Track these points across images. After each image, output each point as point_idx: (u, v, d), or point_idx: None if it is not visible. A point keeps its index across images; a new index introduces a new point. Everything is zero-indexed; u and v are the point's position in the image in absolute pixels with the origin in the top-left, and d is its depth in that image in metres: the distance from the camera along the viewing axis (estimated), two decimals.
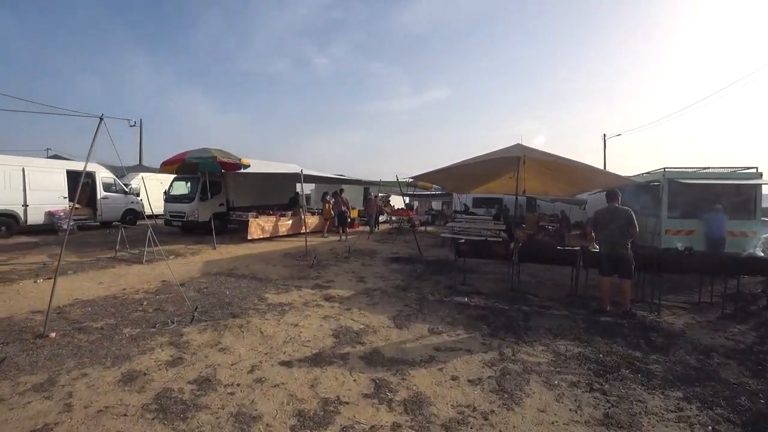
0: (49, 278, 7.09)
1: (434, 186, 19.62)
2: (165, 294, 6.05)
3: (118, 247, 9.30)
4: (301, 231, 10.82)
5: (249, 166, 11.05)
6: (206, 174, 11.29)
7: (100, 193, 15.04)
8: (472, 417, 2.93)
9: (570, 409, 3.09)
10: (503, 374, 3.65)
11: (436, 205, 30.45)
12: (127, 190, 16.25)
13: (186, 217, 12.89)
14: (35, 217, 13.06)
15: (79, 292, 6.12)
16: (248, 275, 7.45)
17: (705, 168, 10.89)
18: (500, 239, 7.00)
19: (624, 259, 5.59)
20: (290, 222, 13.53)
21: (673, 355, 4.28)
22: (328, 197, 14.55)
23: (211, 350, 4.01)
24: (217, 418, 2.81)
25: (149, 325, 4.69)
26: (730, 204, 9.68)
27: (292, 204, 17.65)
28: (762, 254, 7.21)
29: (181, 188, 13.76)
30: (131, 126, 29.60)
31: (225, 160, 9.99)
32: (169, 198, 13.79)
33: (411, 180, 14.80)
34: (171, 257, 9.31)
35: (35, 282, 6.86)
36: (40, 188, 13.10)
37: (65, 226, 13.40)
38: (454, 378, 3.54)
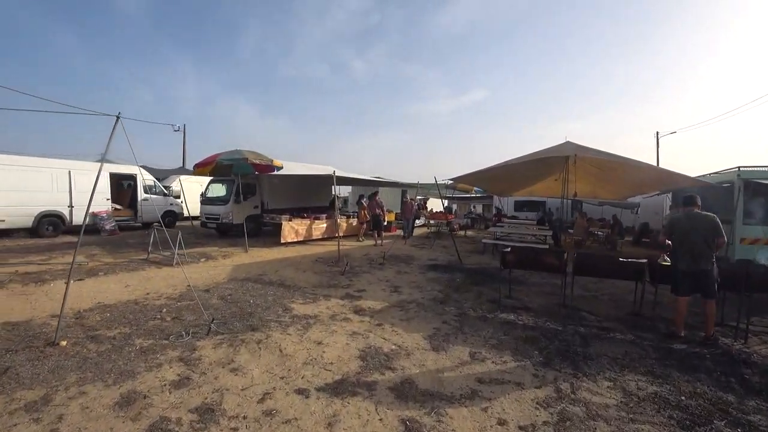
0: (80, 279, 7.01)
1: (475, 188, 18.75)
2: (187, 301, 5.72)
3: (150, 248, 9.19)
4: (336, 235, 10.38)
5: (282, 167, 10.74)
6: (239, 176, 11.08)
7: (141, 195, 15.33)
8: None
9: None
10: (562, 419, 2.96)
11: (476, 207, 29.49)
12: (166, 192, 16.50)
13: (220, 219, 12.80)
14: (80, 217, 13.41)
15: (104, 296, 5.92)
16: (276, 282, 7.05)
17: None
18: (553, 249, 6.18)
19: (707, 275, 4.69)
20: (325, 225, 13.17)
21: None
22: (363, 200, 14.10)
23: (222, 370, 3.56)
24: None
25: (163, 335, 4.33)
26: None
27: (331, 206, 17.37)
28: None
29: (217, 190, 13.73)
30: (175, 131, 30.69)
31: (257, 161, 9.71)
32: (204, 200, 13.79)
33: (450, 182, 14.10)
34: (202, 260, 9.11)
35: (65, 283, 6.74)
36: (85, 190, 13.46)
37: (107, 227, 13.88)
38: (501, 423, 2.89)
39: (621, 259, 5.48)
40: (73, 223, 13.30)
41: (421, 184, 15.69)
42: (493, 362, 3.95)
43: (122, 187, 16.42)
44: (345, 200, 23.72)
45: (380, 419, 2.85)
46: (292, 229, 11.77)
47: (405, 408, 3.02)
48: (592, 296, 6.93)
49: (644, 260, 5.35)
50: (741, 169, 9.21)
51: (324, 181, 14.20)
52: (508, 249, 6.01)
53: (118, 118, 4.64)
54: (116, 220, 14.23)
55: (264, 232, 13.67)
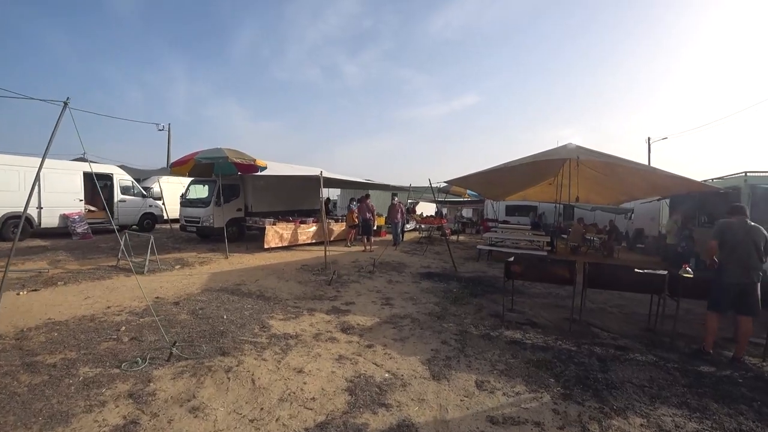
0: (35, 290, 6.27)
1: (468, 192, 18.24)
2: (152, 316, 5.03)
3: (120, 254, 8.44)
4: (324, 239, 9.72)
5: (265, 167, 10.08)
6: (220, 177, 10.36)
7: (117, 195, 14.50)
8: None
9: None
10: None
11: (466, 212, 29.07)
12: (145, 193, 15.66)
13: (201, 223, 12.06)
14: (49, 219, 12.56)
15: (57, 311, 5.20)
16: (255, 293, 6.39)
17: None
18: (563, 259, 5.64)
19: (754, 289, 4.19)
20: (312, 230, 12.49)
21: None
22: (353, 204, 13.45)
23: (179, 410, 2.91)
24: None
25: (115, 362, 3.65)
26: None
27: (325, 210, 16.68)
28: None
29: (198, 192, 12.98)
30: (159, 130, 29.68)
31: (238, 160, 9.02)
32: (184, 202, 13.03)
33: (444, 185, 13.56)
34: (177, 267, 8.39)
35: (18, 294, 6.00)
36: (55, 190, 12.61)
37: (79, 230, 13.03)
38: None
39: (638, 270, 4.94)
40: (42, 226, 12.45)
41: (413, 187, 15.13)
42: (504, 394, 3.36)
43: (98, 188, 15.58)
44: (334, 203, 23.01)
45: None
46: (277, 233, 11.08)
47: None
48: (600, 309, 6.42)
49: (664, 272, 4.82)
50: (748, 174, 8.82)
51: (312, 184, 13.55)
52: (512, 258, 5.44)
53: (65, 104, 3.98)
54: (89, 223, 13.38)
55: (248, 236, 12.94)
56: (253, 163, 9.31)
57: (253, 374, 3.51)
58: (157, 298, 5.94)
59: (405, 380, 3.52)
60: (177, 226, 13.72)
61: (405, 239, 15.06)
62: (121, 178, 14.82)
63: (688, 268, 4.84)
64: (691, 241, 9.26)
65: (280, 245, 11.24)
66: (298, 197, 14.62)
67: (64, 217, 12.83)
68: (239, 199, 12.71)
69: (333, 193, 28.21)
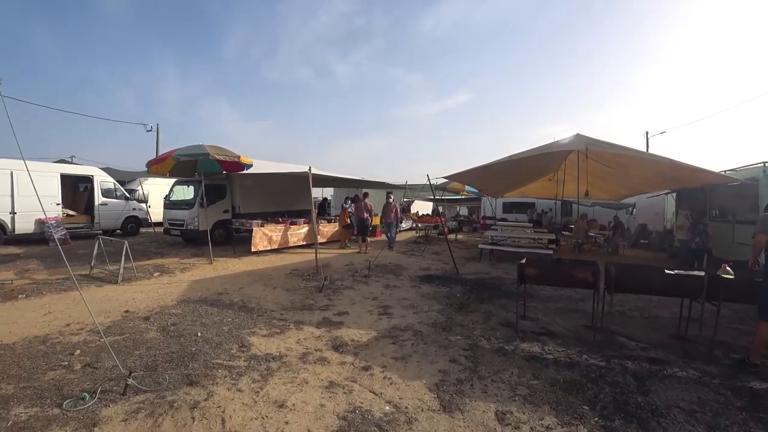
0: None
1: (466, 189, 17.66)
2: (116, 335, 4.38)
3: (94, 262, 7.75)
4: (318, 241, 9.00)
5: (251, 165, 9.41)
6: (203, 176, 9.66)
7: (98, 198, 13.72)
8: None
9: None
10: None
11: (463, 210, 28.56)
12: (128, 195, 14.90)
13: (185, 226, 11.35)
14: (24, 225, 11.81)
15: (8, 330, 4.54)
16: (237, 303, 5.73)
17: None
18: (584, 260, 5.04)
19: None
20: (303, 231, 11.81)
21: None
22: (347, 203, 12.75)
23: None
24: None
25: (57, 399, 3.00)
26: None
27: (321, 211, 16.01)
28: None
29: (182, 193, 12.28)
30: (148, 131, 28.89)
31: (221, 157, 8.33)
32: (168, 204, 12.32)
33: (444, 181, 12.95)
34: (155, 275, 7.72)
35: None
36: (29, 194, 11.85)
37: (57, 236, 12.26)
38: None
39: (670, 271, 4.34)
40: (17, 232, 11.71)
41: (409, 185, 14.50)
42: (532, 429, 2.75)
43: (78, 191, 14.82)
44: (329, 203, 22.21)
45: None
46: (265, 235, 10.40)
47: None
48: (619, 312, 5.84)
49: (701, 273, 4.23)
50: (767, 164, 8.27)
51: (303, 183, 12.87)
52: (524, 260, 4.82)
53: None
54: (68, 228, 12.64)
55: (237, 239, 12.15)
56: (237, 160, 8.63)
57: (224, 411, 2.86)
58: (126, 312, 5.28)
59: (410, 414, 2.89)
60: (161, 229, 13.01)
61: (400, 239, 14.38)
62: (102, 180, 14.04)
63: (728, 268, 4.25)
64: (705, 237, 8.70)
65: (269, 248, 10.56)
66: (289, 197, 13.92)
67: (40, 223, 12.08)
68: (226, 199, 12.01)
69: (327, 193, 27.52)
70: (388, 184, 15.01)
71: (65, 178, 13.18)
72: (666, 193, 13.37)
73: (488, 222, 21.13)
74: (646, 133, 27.69)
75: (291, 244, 11.41)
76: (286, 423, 2.73)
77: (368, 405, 2.99)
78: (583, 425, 2.80)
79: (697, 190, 10.92)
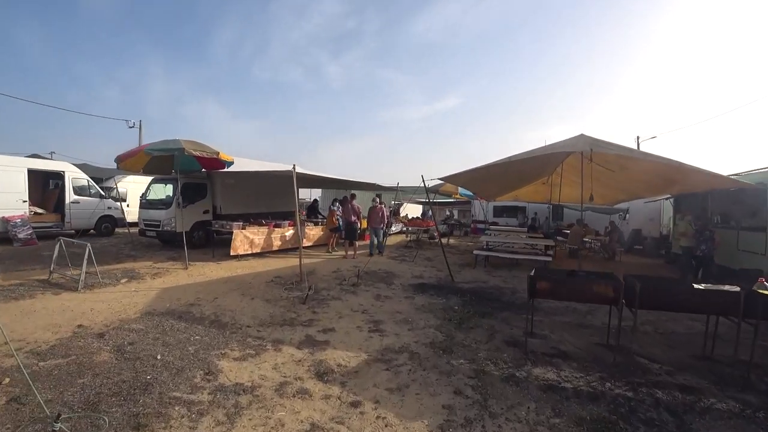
0: None
1: (460, 192, 17.17)
2: (57, 358, 3.70)
3: (54, 266, 7.00)
4: (303, 245, 8.32)
5: (232, 162, 8.74)
6: (179, 173, 8.94)
7: (70, 196, 12.84)
8: None
9: None
10: None
11: (455, 213, 28.15)
12: (103, 193, 14.03)
13: (161, 227, 10.60)
14: None
15: None
16: (209, 317, 5.07)
17: None
18: (605, 273, 4.50)
19: None
20: (288, 234, 11.11)
21: None
22: (334, 205, 12.08)
23: None
24: None
25: None
26: None
27: (311, 213, 15.32)
28: None
29: (159, 191, 11.52)
30: (130, 127, 27.86)
31: (197, 153, 7.63)
32: (144, 203, 11.55)
33: (439, 182, 12.39)
34: (123, 281, 7.01)
35: None
36: None
37: (21, 235, 11.41)
38: None
39: (699, 286, 3.83)
40: None
41: (401, 186, 13.90)
42: None
43: (48, 187, 13.92)
44: (315, 205, 21.43)
45: None
46: (246, 238, 9.69)
47: None
48: (630, 327, 5.33)
49: (736, 289, 3.73)
50: None
51: (289, 183, 12.20)
52: (534, 272, 4.27)
53: None
54: (35, 227, 11.77)
55: (219, 241, 11.34)
56: (216, 156, 7.94)
57: None
58: (79, 326, 4.59)
59: None
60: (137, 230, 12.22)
61: (390, 243, 13.73)
62: (75, 177, 13.14)
63: (765, 283, 3.76)
64: (712, 244, 8.31)
65: (250, 252, 9.87)
66: (275, 198, 13.19)
67: (4, 221, 11.21)
68: (206, 199, 11.28)
69: (315, 194, 26.82)
70: (378, 185, 14.40)
71: (34, 174, 12.32)
72: (666, 198, 13.03)
73: (479, 226, 20.71)
74: (637, 137, 27.58)
75: (275, 248, 10.73)
76: None
77: None
78: None
79: (696, 196, 10.58)
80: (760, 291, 3.74)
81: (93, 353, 3.82)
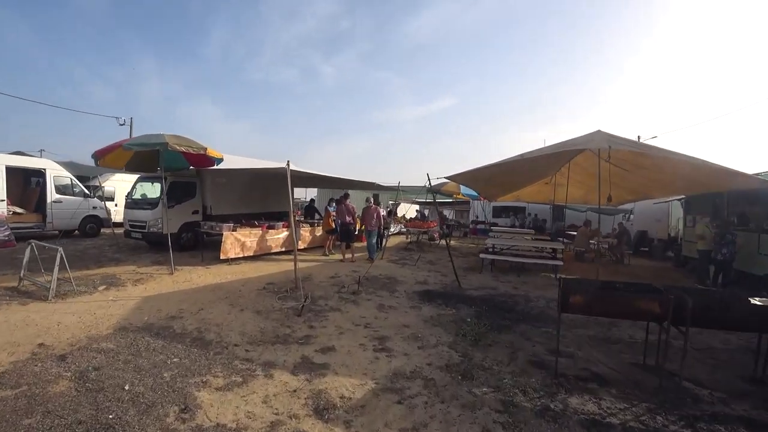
0: None
1: (462, 192, 16.64)
2: (7, 388, 3.09)
3: (24, 272, 6.36)
4: (298, 248, 7.71)
5: (222, 159, 8.12)
6: (163, 171, 8.27)
7: (52, 195, 12.14)
8: None
9: None
10: None
11: (453, 214, 27.71)
12: (87, 192, 13.33)
13: (147, 228, 9.96)
14: None
15: None
16: (192, 333, 4.46)
17: None
18: (649, 286, 3.93)
19: None
20: (283, 236, 10.50)
21: None
22: (330, 206, 11.47)
23: None
24: None
25: None
26: None
27: (308, 213, 14.72)
28: None
29: (146, 190, 10.89)
30: (120, 125, 27.10)
31: (183, 149, 7.00)
32: (129, 203, 10.90)
33: (440, 181, 11.84)
34: (101, 288, 6.39)
35: None
36: None
37: None
38: None
39: (757, 302, 3.30)
40: None
41: (402, 186, 13.32)
42: None
43: (29, 186, 13.21)
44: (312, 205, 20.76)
45: None
46: (237, 241, 9.06)
47: None
48: (680, 349, 4.78)
49: None
50: None
51: (283, 182, 11.57)
52: (561, 282, 3.72)
53: None
54: (13, 228, 11.06)
55: (209, 243, 10.65)
56: (204, 153, 7.31)
57: None
58: (40, 345, 3.98)
59: None
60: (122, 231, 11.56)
61: (390, 245, 13.12)
62: (57, 175, 12.43)
63: None
64: (734, 248, 7.81)
65: (241, 255, 9.24)
66: (268, 198, 12.57)
67: None
68: (196, 199, 10.64)
69: (311, 194, 26.15)
70: (377, 184, 13.81)
71: (13, 171, 11.63)
72: (678, 199, 12.55)
73: (479, 227, 20.19)
74: (638, 137, 27.17)
75: (269, 251, 10.11)
76: None
77: None
78: None
79: (707, 196, 10.10)
80: None
81: (49, 382, 3.22)
